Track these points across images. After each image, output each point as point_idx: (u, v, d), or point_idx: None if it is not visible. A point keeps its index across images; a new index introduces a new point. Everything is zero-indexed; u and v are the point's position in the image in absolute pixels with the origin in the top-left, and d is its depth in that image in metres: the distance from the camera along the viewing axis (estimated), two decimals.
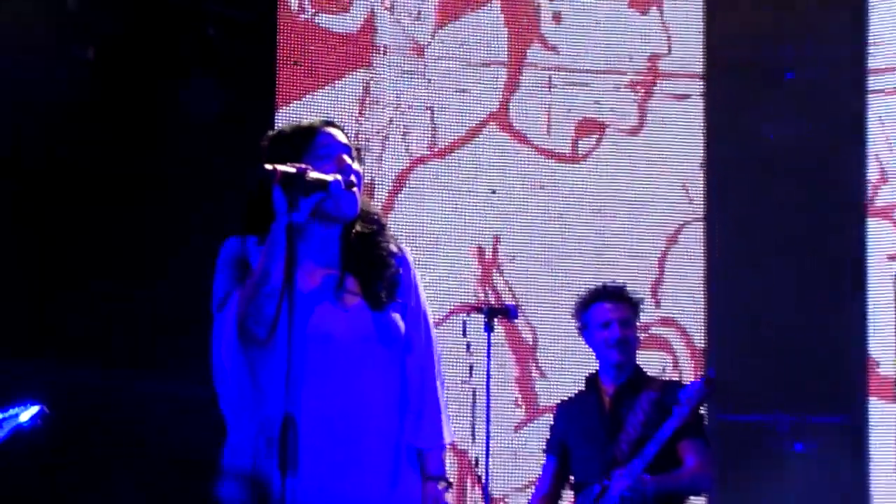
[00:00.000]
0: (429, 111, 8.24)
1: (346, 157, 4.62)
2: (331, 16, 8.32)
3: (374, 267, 4.63)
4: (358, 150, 4.72)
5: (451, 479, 4.81)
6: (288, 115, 8.08)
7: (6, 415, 5.94)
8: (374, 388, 4.59)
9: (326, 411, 4.50)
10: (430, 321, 4.77)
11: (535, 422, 7.90)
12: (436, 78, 8.30)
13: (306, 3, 8.29)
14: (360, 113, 8.21)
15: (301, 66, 8.25)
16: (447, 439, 4.78)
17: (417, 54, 8.32)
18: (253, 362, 4.60)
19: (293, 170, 4.45)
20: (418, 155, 8.15)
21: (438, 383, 4.71)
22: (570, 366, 7.78)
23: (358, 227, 4.66)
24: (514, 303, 7.35)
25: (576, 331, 6.55)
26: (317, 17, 8.29)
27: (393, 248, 4.69)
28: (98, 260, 7.86)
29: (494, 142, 8.27)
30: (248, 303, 4.55)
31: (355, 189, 4.58)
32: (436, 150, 8.17)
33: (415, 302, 4.68)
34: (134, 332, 7.89)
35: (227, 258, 4.62)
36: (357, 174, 4.60)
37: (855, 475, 7.89)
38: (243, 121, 7.95)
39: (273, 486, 4.51)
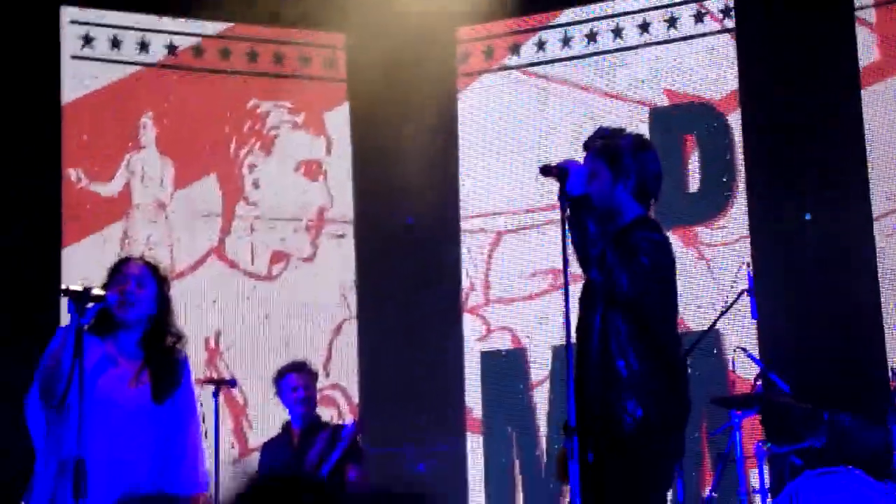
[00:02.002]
0: (169, 247, 8.16)
1: (131, 281, 4.60)
2: (99, 184, 8.21)
3: (167, 373, 4.58)
4: (157, 271, 4.69)
5: None
6: (68, 255, 7.91)
7: None
8: (141, 444, 4.52)
9: (106, 456, 4.43)
10: (196, 403, 4.73)
11: (247, 457, 7.84)
12: (174, 224, 8.25)
13: (82, 174, 8.16)
14: (121, 248, 8.07)
15: (79, 219, 8.11)
16: (202, 487, 4.73)
17: (160, 209, 8.25)
18: (51, 420, 4.51)
19: (80, 287, 4.40)
20: None
21: (199, 445, 4.69)
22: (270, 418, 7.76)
23: (165, 338, 4.64)
24: (232, 377, 7.26)
25: (273, 394, 6.57)
26: (90, 186, 8.16)
27: (181, 356, 4.67)
28: None
29: (215, 268, 8.23)
30: (44, 382, 4.47)
31: (128, 303, 4.56)
32: (174, 273, 8.07)
33: (186, 391, 4.65)
34: None
35: (50, 347, 4.53)
36: (132, 294, 4.57)
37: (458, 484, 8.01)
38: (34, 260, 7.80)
39: None
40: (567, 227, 4.42)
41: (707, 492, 6.43)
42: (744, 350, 6.34)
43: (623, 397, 4.34)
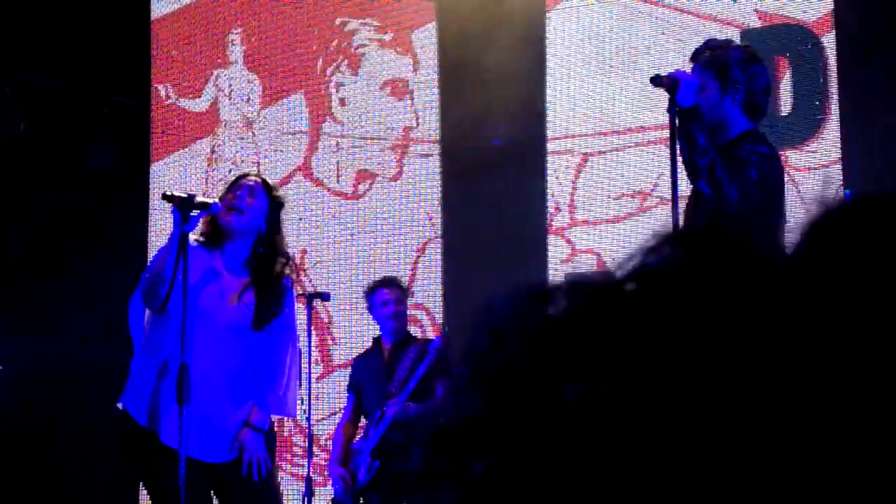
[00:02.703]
0: (255, 164, 8.17)
1: (244, 188, 4.61)
2: (187, 100, 8.21)
3: (271, 300, 4.58)
4: (271, 188, 4.70)
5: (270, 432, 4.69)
6: (157, 171, 7.95)
7: None
8: (238, 360, 4.54)
9: (202, 367, 4.45)
10: (296, 332, 4.74)
11: (331, 374, 7.89)
12: (261, 142, 8.25)
13: (171, 91, 8.17)
14: (208, 166, 8.10)
15: (167, 135, 8.14)
16: (289, 412, 4.75)
17: (247, 127, 8.25)
18: (151, 324, 4.54)
19: (184, 195, 4.41)
20: None
21: (290, 372, 4.70)
22: (354, 336, 7.80)
23: (275, 263, 4.63)
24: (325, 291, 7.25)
25: (364, 310, 6.59)
26: (178, 101, 8.17)
27: (287, 284, 4.67)
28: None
29: (301, 186, 8.24)
30: (147, 285, 4.49)
31: (236, 209, 4.56)
32: None
33: (287, 320, 4.66)
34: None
35: (157, 253, 4.55)
36: (241, 200, 4.57)
37: None
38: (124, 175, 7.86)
39: (164, 412, 4.45)
40: (676, 138, 4.35)
41: None
42: None
43: None
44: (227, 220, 4.59)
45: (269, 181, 4.77)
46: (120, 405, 4.61)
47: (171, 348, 4.47)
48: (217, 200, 4.55)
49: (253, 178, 4.75)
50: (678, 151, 4.40)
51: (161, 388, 4.49)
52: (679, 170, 4.37)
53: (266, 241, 4.61)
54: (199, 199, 4.44)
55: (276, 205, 4.67)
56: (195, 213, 4.42)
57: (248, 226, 4.61)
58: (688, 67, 4.62)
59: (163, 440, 4.45)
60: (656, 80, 4.38)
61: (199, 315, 4.48)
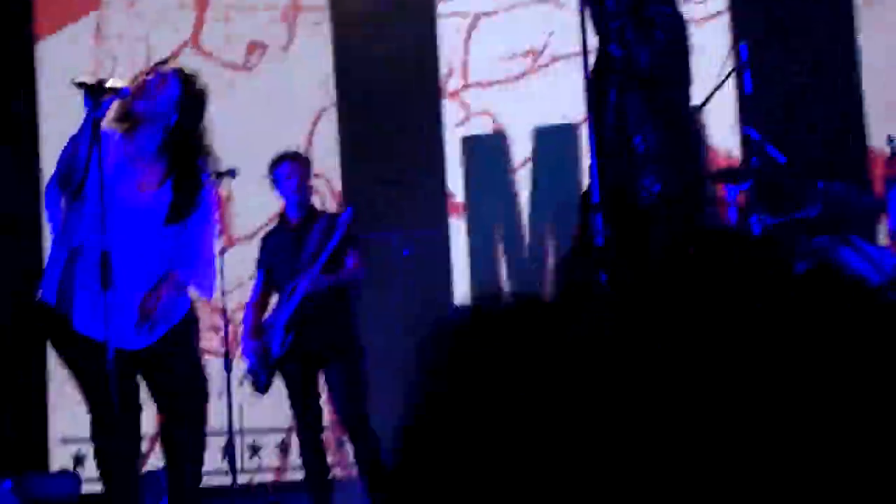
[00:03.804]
0: (143, 42, 7.99)
1: (153, 80, 4.56)
2: None
3: (183, 194, 4.55)
4: (187, 78, 4.64)
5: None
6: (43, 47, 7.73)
7: None
8: (155, 248, 4.53)
9: (122, 253, 4.43)
10: (213, 225, 4.74)
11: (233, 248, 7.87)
12: (145, 17, 8.06)
13: None
14: (95, 43, 7.89)
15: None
16: (206, 292, 4.78)
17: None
18: (67, 208, 4.50)
19: (93, 81, 4.34)
20: None
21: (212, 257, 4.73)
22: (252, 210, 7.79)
23: (190, 155, 4.60)
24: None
25: (260, 182, 6.55)
26: None
27: (203, 178, 4.63)
28: None
29: (192, 61, 8.10)
30: (62, 172, 4.45)
31: (144, 97, 4.50)
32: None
33: (205, 215, 4.64)
34: None
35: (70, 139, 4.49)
36: (150, 84, 4.51)
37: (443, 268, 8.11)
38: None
39: (77, 298, 4.44)
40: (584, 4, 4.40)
41: None
42: (747, 129, 6.37)
43: (641, 173, 4.40)
44: (138, 106, 4.54)
45: (187, 72, 4.69)
46: (39, 293, 4.59)
47: (85, 234, 4.44)
48: (127, 85, 4.48)
49: (165, 68, 4.68)
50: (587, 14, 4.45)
51: (74, 273, 4.47)
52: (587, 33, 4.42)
53: (180, 132, 4.56)
54: (110, 83, 4.37)
55: (192, 95, 4.61)
56: (106, 98, 4.35)
57: (156, 111, 4.55)
58: None
59: (76, 327, 4.44)
60: None
61: (115, 202, 4.44)
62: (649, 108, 4.43)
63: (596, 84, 4.56)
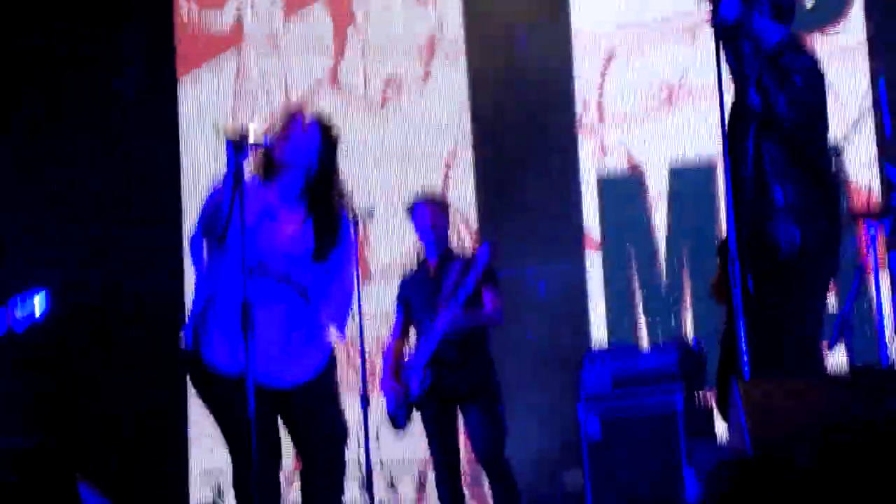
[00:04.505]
0: (282, 78, 8.16)
1: (297, 121, 4.67)
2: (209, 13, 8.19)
3: (325, 234, 4.64)
4: (326, 126, 4.75)
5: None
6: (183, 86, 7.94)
7: (23, 311, 5.63)
8: (298, 290, 4.62)
9: (265, 299, 4.52)
10: (354, 260, 4.82)
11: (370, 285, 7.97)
12: (286, 54, 8.22)
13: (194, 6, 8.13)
14: (236, 82, 8.09)
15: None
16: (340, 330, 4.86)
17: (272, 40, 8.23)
18: (210, 256, 4.62)
19: (234, 132, 4.46)
20: None
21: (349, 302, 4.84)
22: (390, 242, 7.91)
23: (330, 198, 4.70)
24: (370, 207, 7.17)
25: (400, 218, 6.63)
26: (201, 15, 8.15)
27: (342, 215, 4.73)
28: None
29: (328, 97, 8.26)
30: (206, 221, 4.58)
31: (285, 140, 4.61)
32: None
33: (345, 252, 4.72)
34: None
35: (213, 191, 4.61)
36: (292, 132, 4.62)
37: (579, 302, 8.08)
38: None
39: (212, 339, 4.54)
40: (722, 48, 4.38)
41: (842, 304, 6.45)
42: (887, 167, 6.26)
43: (781, 224, 4.36)
44: (276, 154, 4.64)
45: (324, 117, 4.79)
46: (182, 336, 4.71)
47: (227, 280, 4.54)
48: (267, 132, 4.59)
49: (307, 113, 4.78)
50: (723, 59, 4.42)
51: (216, 316, 4.57)
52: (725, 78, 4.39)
53: (320, 177, 4.66)
54: (252, 133, 4.48)
55: (328, 139, 4.71)
56: (248, 147, 4.46)
57: (298, 159, 4.65)
58: None
59: (217, 367, 4.54)
60: None
61: (258, 247, 4.55)
62: (788, 157, 4.39)
63: (732, 129, 4.53)
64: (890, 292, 6.18)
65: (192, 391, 4.94)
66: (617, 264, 7.95)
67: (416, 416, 6.24)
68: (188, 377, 4.76)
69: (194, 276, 4.76)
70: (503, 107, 8.09)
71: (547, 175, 8.06)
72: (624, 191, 8.00)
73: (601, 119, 8.07)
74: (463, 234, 8.07)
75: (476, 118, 8.19)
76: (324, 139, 4.70)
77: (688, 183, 7.74)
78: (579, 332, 7.82)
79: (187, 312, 4.79)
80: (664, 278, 7.82)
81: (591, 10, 8.07)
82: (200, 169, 8.03)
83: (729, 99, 4.55)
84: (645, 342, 7.68)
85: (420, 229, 6.36)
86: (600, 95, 8.08)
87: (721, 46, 4.39)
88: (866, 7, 7.54)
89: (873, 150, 7.20)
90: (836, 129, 6.59)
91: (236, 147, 4.44)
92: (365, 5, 8.36)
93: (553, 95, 8.11)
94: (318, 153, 4.68)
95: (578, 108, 8.13)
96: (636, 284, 7.88)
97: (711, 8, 4.39)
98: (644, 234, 7.90)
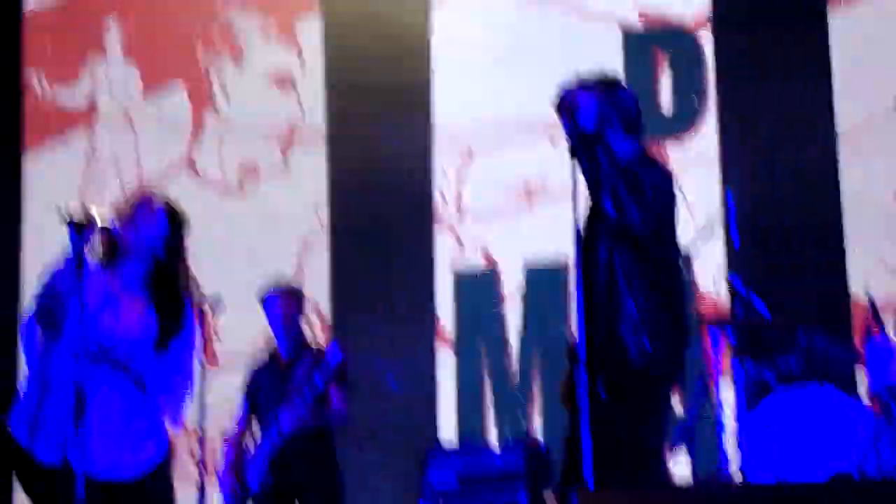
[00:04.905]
0: (135, 159, 8.01)
1: (143, 206, 4.59)
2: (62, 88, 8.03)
3: (169, 318, 4.52)
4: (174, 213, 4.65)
5: None
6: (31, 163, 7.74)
7: None
8: (135, 378, 4.49)
9: (102, 386, 4.39)
10: (195, 349, 4.70)
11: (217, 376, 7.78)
12: (141, 135, 8.08)
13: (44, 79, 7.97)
14: (87, 164, 7.91)
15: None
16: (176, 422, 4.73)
17: (127, 118, 8.09)
18: (44, 342, 4.47)
19: (79, 215, 4.34)
20: None
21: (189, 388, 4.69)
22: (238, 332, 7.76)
23: (175, 286, 4.58)
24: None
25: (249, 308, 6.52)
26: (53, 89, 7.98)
27: (186, 303, 4.61)
28: None
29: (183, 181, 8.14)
30: (42, 308, 4.45)
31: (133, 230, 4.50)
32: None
33: (187, 339, 4.60)
34: None
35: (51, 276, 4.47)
36: (139, 223, 4.53)
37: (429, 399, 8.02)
38: None
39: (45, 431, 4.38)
40: (577, 159, 4.43)
41: (686, 410, 6.53)
42: (732, 277, 6.44)
43: (634, 333, 4.39)
44: (120, 239, 4.52)
45: (171, 203, 4.69)
46: (8, 426, 4.53)
47: (59, 367, 4.40)
48: (112, 216, 4.47)
49: (155, 198, 4.68)
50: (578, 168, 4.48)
51: (47, 406, 4.42)
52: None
53: (165, 264, 4.55)
54: (98, 217, 4.35)
55: (176, 226, 4.61)
56: (90, 231, 4.33)
57: (143, 245, 4.54)
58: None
59: (44, 459, 4.38)
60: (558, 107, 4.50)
61: (95, 334, 4.41)
62: (639, 265, 4.44)
63: (588, 234, 4.56)
64: (733, 399, 6.28)
65: (17, 485, 4.73)
66: (469, 361, 7.93)
67: None
68: (14, 471, 4.56)
69: (25, 365, 4.58)
70: (361, 198, 8.08)
71: (403, 268, 8.05)
72: (479, 287, 8.01)
73: (459, 214, 8.10)
74: (316, 324, 7.98)
75: (334, 208, 8.14)
76: (171, 226, 4.60)
77: (543, 283, 7.80)
78: (428, 427, 7.76)
79: (16, 400, 4.61)
80: (515, 377, 7.83)
81: (452, 105, 8.13)
82: (44, 249, 7.80)
83: (584, 204, 4.58)
84: (493, 440, 7.67)
85: (271, 320, 6.26)
86: (459, 191, 8.12)
87: (578, 154, 4.45)
88: (720, 119, 7.77)
89: (723, 259, 7.36)
90: (686, 236, 6.77)
91: (78, 230, 4.30)
92: (225, 88, 8.29)
93: (412, 189, 8.12)
94: (164, 240, 4.58)
95: (437, 203, 8.15)
96: (487, 382, 7.87)
97: (568, 118, 4.51)
98: (497, 332, 7.91)
